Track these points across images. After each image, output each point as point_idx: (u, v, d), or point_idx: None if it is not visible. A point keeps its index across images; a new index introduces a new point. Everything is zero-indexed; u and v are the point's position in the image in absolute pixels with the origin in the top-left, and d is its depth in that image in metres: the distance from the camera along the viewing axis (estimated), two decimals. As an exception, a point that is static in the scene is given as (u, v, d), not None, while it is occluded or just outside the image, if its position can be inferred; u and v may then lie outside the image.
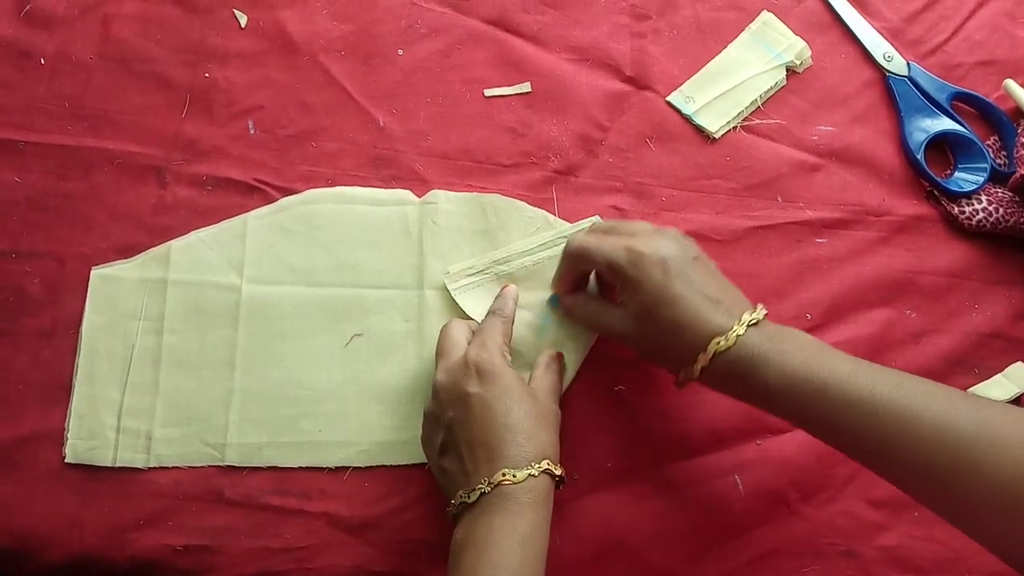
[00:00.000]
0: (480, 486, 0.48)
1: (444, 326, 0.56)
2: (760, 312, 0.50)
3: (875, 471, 0.46)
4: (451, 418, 0.51)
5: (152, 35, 0.66)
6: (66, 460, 0.55)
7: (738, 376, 0.48)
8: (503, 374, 0.51)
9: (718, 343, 0.48)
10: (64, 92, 0.63)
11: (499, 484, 0.48)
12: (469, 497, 0.48)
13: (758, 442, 0.59)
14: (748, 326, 0.48)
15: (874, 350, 0.62)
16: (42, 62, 0.64)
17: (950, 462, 0.42)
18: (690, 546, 0.56)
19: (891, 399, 0.44)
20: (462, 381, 0.51)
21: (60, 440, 0.55)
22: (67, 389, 0.56)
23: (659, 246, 0.51)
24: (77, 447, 0.55)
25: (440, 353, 0.54)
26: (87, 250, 0.59)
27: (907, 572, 0.57)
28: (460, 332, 0.55)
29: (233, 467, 0.56)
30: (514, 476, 0.48)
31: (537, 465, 0.49)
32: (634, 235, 0.53)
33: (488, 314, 0.57)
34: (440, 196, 0.62)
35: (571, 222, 0.63)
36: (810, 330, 0.61)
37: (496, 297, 0.58)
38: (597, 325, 0.56)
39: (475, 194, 0.63)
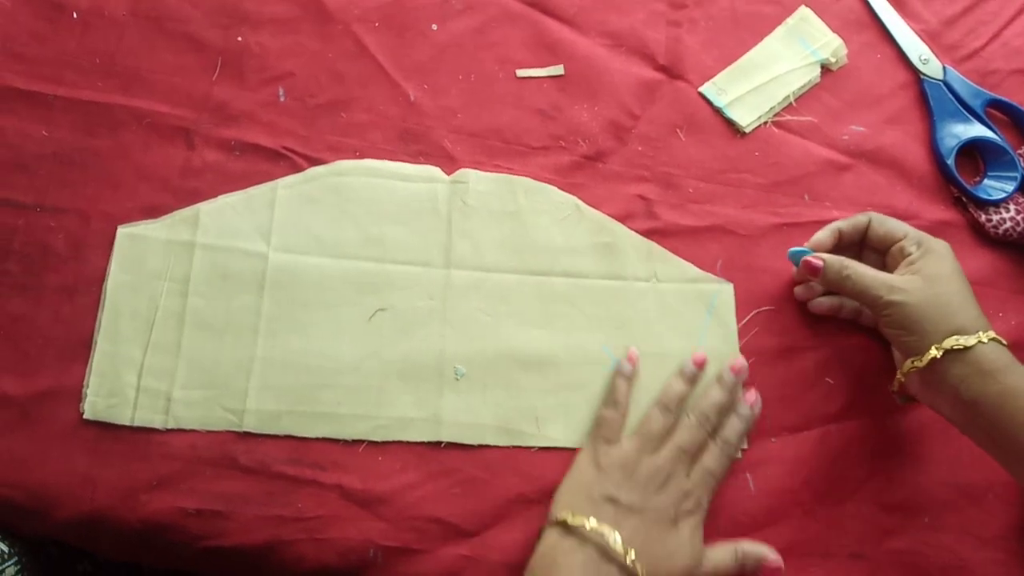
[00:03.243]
0: None
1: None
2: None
3: None
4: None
5: (186, -5, 0.65)
6: (84, 416, 0.54)
7: (987, 371, 0.52)
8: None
9: (987, 332, 0.53)
10: (95, 48, 0.63)
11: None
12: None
13: (773, 439, 0.59)
14: (1004, 343, 0.53)
15: (890, 356, 0.61)
16: (75, 16, 0.63)
17: None
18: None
19: None
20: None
21: (77, 397, 0.55)
22: (87, 346, 0.56)
23: (943, 241, 0.58)
24: (96, 404, 0.55)
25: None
26: (113, 208, 0.59)
27: (914, 577, 0.57)
28: None
29: (249, 434, 0.55)
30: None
31: None
32: None
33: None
34: (471, 176, 0.62)
35: (598, 209, 0.62)
36: (828, 330, 0.61)
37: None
38: (864, 280, 0.56)
39: (506, 175, 0.63)
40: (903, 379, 0.56)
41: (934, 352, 0.53)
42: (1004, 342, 0.53)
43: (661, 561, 0.51)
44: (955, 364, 0.52)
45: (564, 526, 0.52)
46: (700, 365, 0.59)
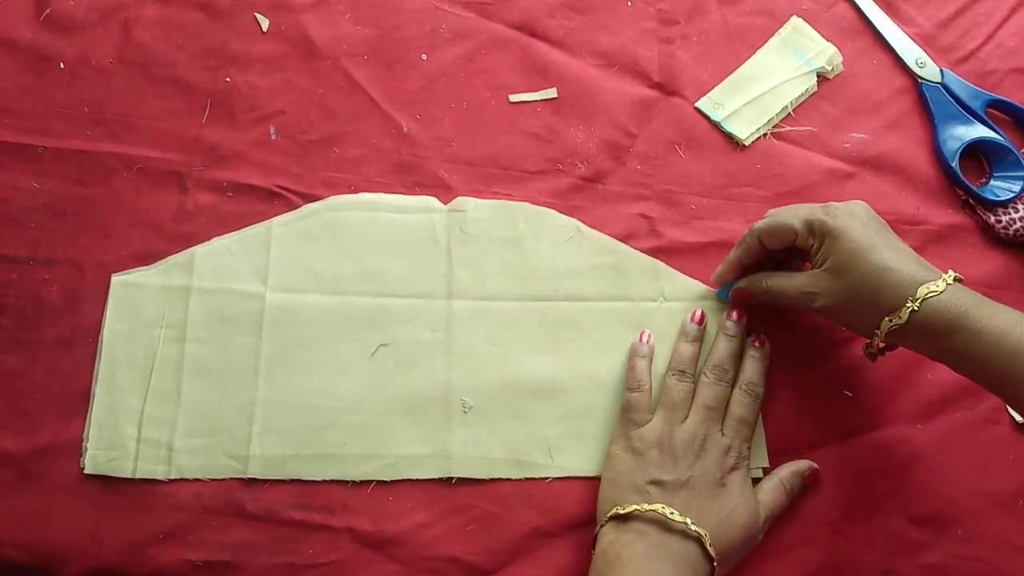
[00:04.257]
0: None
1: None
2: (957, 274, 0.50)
3: None
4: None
5: (173, 39, 0.65)
6: (85, 471, 0.53)
7: (941, 329, 0.48)
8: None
9: (928, 289, 0.48)
10: (83, 97, 0.62)
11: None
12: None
13: (792, 459, 0.57)
14: (954, 280, 0.49)
15: (909, 362, 0.60)
16: (61, 66, 0.63)
17: None
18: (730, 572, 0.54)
19: None
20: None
21: (78, 451, 0.54)
22: (86, 399, 0.55)
23: (850, 204, 0.54)
24: (97, 457, 0.53)
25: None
26: (106, 257, 0.58)
27: (949, 591, 0.55)
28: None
29: (254, 480, 0.54)
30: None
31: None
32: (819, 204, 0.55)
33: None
34: (469, 204, 0.61)
35: (600, 231, 0.62)
36: (842, 341, 0.60)
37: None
38: (784, 292, 0.55)
39: (504, 201, 0.62)
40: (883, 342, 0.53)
41: (877, 338, 0.51)
42: (947, 282, 0.49)
43: (721, 525, 0.50)
44: (904, 337, 0.50)
45: (616, 520, 0.51)
46: (700, 322, 0.59)
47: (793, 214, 0.54)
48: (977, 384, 0.49)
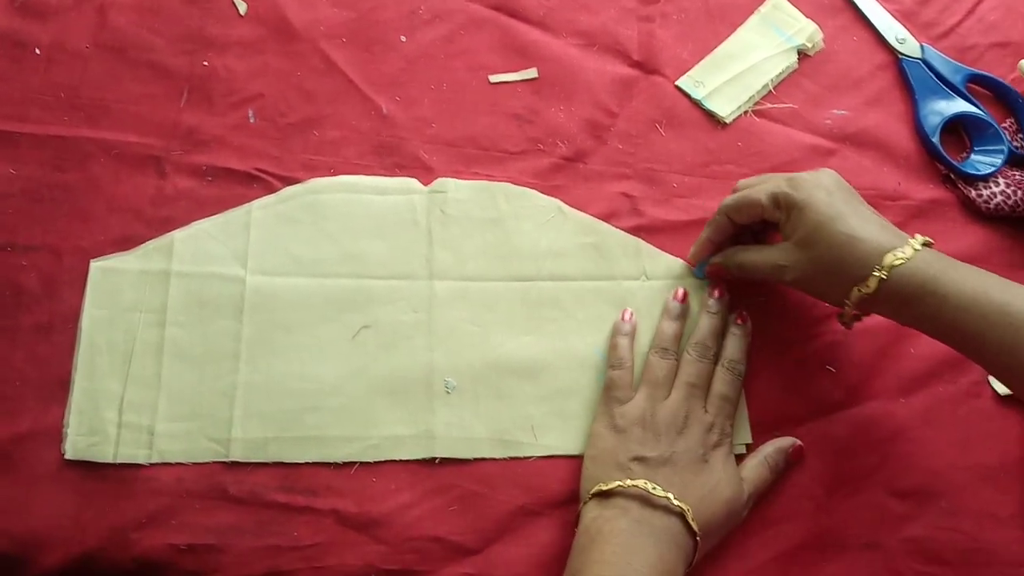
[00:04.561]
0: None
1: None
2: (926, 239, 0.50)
3: None
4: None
5: (149, 24, 0.64)
6: (66, 456, 0.53)
7: (911, 295, 0.48)
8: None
9: (895, 256, 0.48)
10: (60, 82, 0.61)
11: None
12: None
13: (777, 433, 0.57)
14: (923, 245, 0.49)
15: (893, 337, 0.60)
16: (37, 52, 0.62)
17: None
18: (714, 545, 0.54)
19: None
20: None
21: (59, 438, 0.53)
22: (66, 385, 0.54)
23: (817, 173, 0.53)
24: (77, 443, 0.53)
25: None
26: (85, 243, 0.57)
27: (932, 564, 0.55)
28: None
29: (237, 463, 0.54)
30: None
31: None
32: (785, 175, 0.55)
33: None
34: (449, 184, 0.61)
35: (582, 210, 0.62)
36: (824, 317, 0.60)
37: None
38: (756, 266, 0.55)
39: (485, 182, 0.61)
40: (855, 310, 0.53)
41: (848, 308, 0.51)
42: (915, 248, 0.48)
43: (703, 501, 0.51)
44: (875, 305, 0.50)
45: (599, 497, 0.51)
46: (683, 300, 0.59)
47: (760, 188, 0.55)
48: (954, 349, 0.49)
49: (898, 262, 0.48)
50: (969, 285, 0.47)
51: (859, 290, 0.49)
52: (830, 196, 0.51)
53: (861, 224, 0.50)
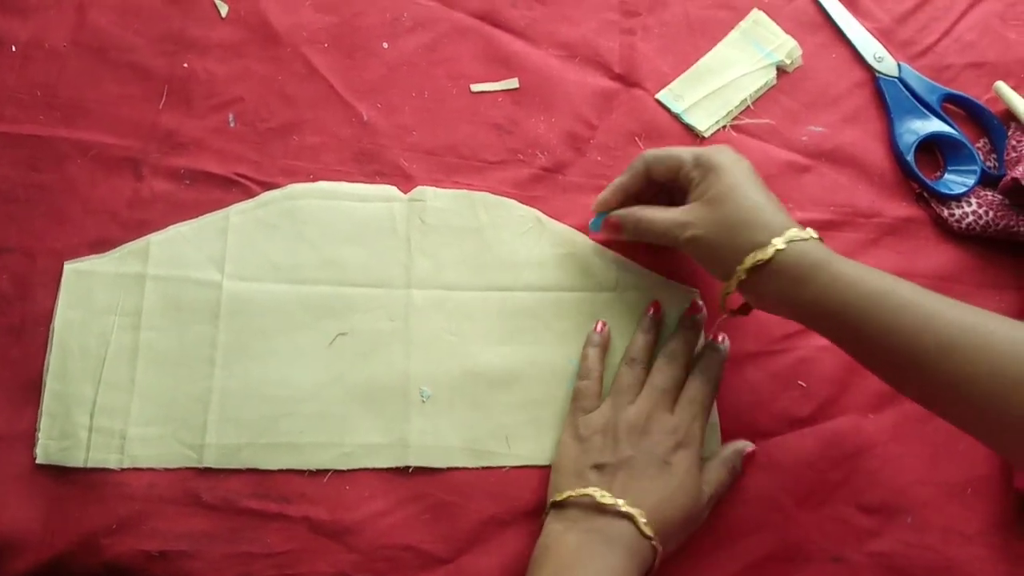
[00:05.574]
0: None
1: None
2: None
3: (923, 391, 0.48)
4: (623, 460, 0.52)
5: (129, 24, 0.64)
6: (37, 461, 0.52)
7: (803, 273, 0.49)
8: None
9: (796, 233, 0.49)
10: (36, 80, 0.61)
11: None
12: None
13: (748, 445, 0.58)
14: (818, 239, 0.50)
15: (864, 353, 0.61)
16: (13, 49, 0.62)
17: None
18: (681, 555, 0.55)
19: (961, 314, 0.46)
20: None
21: (30, 442, 0.53)
22: (37, 389, 0.54)
23: (724, 146, 0.55)
24: (48, 447, 0.53)
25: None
26: (59, 244, 0.57)
27: (897, 579, 0.56)
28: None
29: (210, 469, 0.54)
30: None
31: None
32: None
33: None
34: (428, 193, 0.61)
35: (560, 221, 0.62)
36: (796, 333, 0.61)
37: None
38: (654, 224, 0.55)
39: (464, 191, 0.62)
40: (725, 305, 0.54)
41: (739, 274, 0.50)
42: (811, 236, 0.50)
43: (662, 503, 0.51)
44: (765, 279, 0.50)
45: (556, 508, 0.51)
46: (656, 313, 0.59)
47: (681, 148, 0.56)
48: (829, 340, 0.50)
49: (797, 238, 0.49)
50: (859, 271, 0.48)
51: (755, 256, 0.50)
52: (747, 170, 0.53)
53: (769, 200, 0.52)
